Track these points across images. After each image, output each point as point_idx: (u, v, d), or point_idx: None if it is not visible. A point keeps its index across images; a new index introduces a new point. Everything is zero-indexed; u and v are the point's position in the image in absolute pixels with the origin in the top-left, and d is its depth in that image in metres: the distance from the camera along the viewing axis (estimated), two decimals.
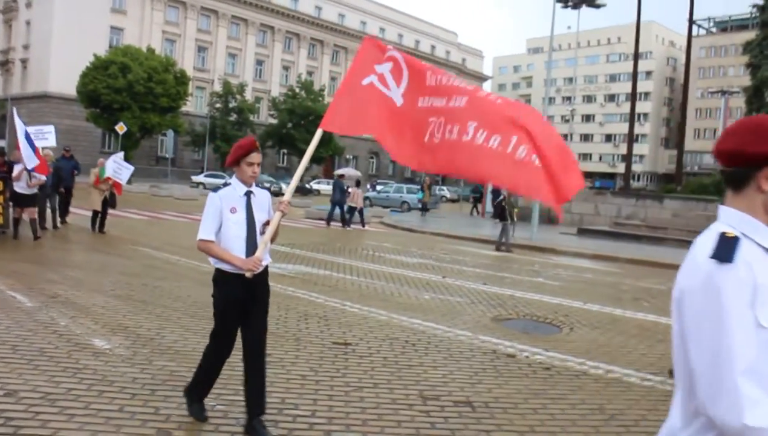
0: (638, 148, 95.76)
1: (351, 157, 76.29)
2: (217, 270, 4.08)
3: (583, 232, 23.45)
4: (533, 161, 3.35)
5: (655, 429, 4.69)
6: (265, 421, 4.41)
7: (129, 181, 19.42)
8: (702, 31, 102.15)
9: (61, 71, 49.35)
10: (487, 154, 3.49)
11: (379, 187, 44.93)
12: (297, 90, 59.80)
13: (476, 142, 3.54)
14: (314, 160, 60.54)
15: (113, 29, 56.13)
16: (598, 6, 42.09)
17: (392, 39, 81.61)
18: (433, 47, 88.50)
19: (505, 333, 7.71)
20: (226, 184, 4.13)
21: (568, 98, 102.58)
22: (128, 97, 43.26)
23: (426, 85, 3.97)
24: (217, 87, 58.36)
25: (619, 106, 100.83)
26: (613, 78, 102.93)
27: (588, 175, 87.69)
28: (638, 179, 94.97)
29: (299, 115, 57.12)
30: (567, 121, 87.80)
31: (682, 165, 33.63)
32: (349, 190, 23.79)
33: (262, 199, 4.16)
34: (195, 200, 30.60)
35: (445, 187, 60.51)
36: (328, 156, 63.42)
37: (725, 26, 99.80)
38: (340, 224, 22.27)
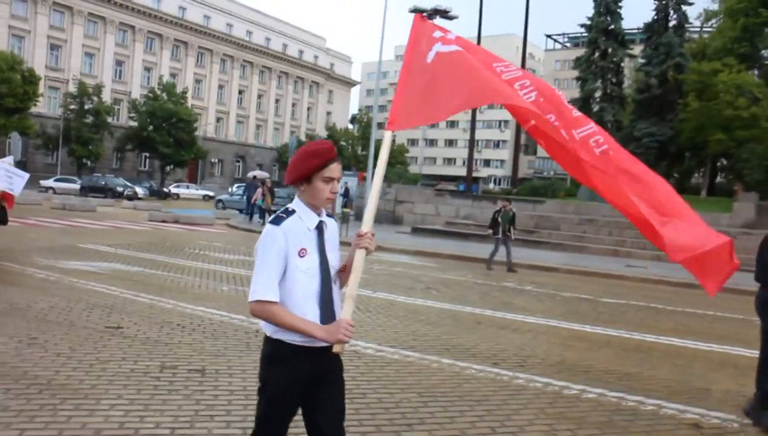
0: (499, 154, 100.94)
1: (216, 160, 75.69)
2: (276, 343, 2.76)
3: (416, 230, 25.02)
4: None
5: (355, 386, 5.69)
6: (1, 383, 5.03)
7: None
8: (558, 45, 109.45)
9: None
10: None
11: (231, 190, 45.21)
12: (158, 92, 58.73)
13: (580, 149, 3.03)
14: (176, 163, 59.76)
15: None
16: (450, 18, 44.32)
17: (259, 42, 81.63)
18: (301, 52, 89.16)
19: None
20: (289, 212, 2.80)
21: None
22: None
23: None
24: (72, 87, 56.24)
25: (482, 113, 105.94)
26: None
27: (452, 178, 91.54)
28: (499, 183, 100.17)
29: (160, 118, 56.15)
30: (419, 127, 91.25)
31: (518, 170, 36.66)
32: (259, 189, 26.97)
33: (333, 231, 2.95)
34: (39, 205, 29.68)
35: None
36: (191, 160, 62.65)
37: (578, 42, 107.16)
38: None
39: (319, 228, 2.82)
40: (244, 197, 30.96)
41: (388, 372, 6.40)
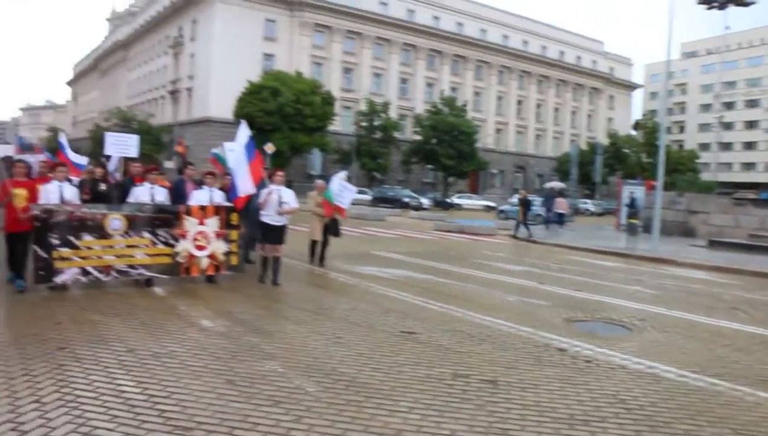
0: None
1: (497, 171, 76.61)
2: None
3: (714, 244, 22.68)
4: None
5: (657, 413, 5.23)
6: (314, 375, 5.49)
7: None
8: None
9: (220, 97, 54.56)
10: None
11: (512, 200, 45.31)
12: (440, 106, 61.33)
13: None
14: (458, 175, 61.95)
15: (265, 56, 60.79)
16: (746, 4, 40.03)
17: (535, 51, 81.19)
18: (578, 57, 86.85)
19: (569, 332, 8.29)
20: None
21: (729, 104, 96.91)
22: (279, 118, 46.85)
23: None
24: (363, 106, 61.08)
25: None
26: None
27: (751, 186, 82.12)
28: None
29: (442, 131, 58.48)
30: (712, 130, 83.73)
31: None
32: (557, 199, 30.17)
33: None
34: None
35: (588, 201, 59.29)
36: (472, 171, 64.32)
37: None
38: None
39: None
40: (543, 208, 32.16)
41: (693, 401, 5.79)
